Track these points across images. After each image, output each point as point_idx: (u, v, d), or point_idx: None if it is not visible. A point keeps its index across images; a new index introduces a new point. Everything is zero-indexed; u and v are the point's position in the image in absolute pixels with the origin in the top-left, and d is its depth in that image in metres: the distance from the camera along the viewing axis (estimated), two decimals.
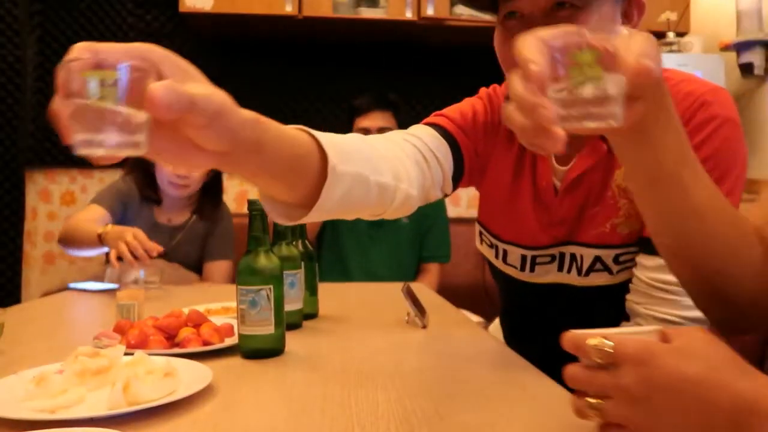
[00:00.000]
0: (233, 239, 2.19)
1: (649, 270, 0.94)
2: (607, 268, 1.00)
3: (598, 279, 1.01)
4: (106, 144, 0.46)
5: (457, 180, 1.04)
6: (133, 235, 1.61)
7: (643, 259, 0.96)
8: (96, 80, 0.45)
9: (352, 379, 0.81)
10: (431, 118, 1.04)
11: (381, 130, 2.11)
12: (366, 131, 2.13)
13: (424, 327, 1.14)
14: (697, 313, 0.91)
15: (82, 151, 0.46)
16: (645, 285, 0.95)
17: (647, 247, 0.94)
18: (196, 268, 2.13)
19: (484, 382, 0.83)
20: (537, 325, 1.13)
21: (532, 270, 1.08)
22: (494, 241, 1.12)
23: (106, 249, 1.75)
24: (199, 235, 2.12)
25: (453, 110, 1.07)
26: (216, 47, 2.83)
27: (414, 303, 1.16)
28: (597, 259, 1.00)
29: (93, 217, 1.92)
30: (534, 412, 0.71)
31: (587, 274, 1.01)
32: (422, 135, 0.96)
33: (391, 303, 1.39)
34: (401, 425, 0.64)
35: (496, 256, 1.13)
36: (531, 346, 1.03)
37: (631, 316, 0.98)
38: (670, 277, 0.91)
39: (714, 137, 0.91)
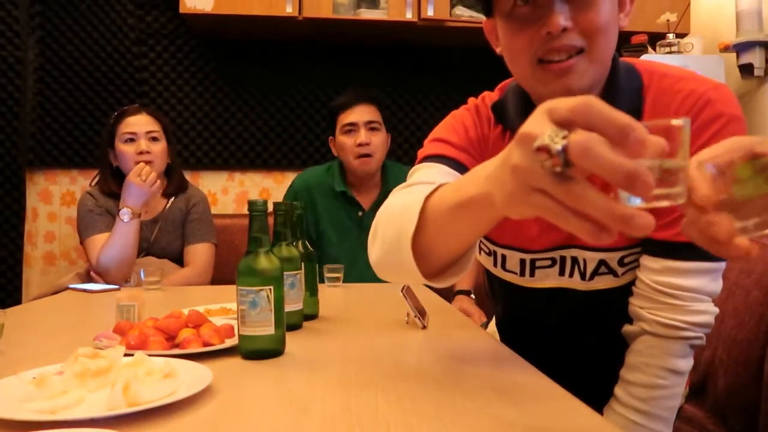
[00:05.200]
0: (212, 223, 2.22)
1: (654, 273, 0.93)
2: (612, 271, 0.99)
3: (603, 282, 1.00)
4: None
5: None
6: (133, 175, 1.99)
7: (647, 261, 0.94)
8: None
9: (353, 379, 0.81)
10: (435, 149, 1.02)
11: (369, 123, 2.13)
12: (353, 125, 2.14)
13: (424, 327, 1.14)
14: (704, 318, 0.92)
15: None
16: (649, 289, 0.93)
17: (652, 248, 0.93)
18: (181, 256, 2.16)
19: (485, 382, 0.83)
20: (539, 332, 1.12)
21: (532, 274, 1.05)
22: (492, 246, 1.09)
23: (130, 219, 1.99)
24: (177, 222, 2.15)
25: (449, 132, 1.04)
26: (216, 48, 2.83)
27: (414, 304, 1.16)
28: (602, 262, 0.98)
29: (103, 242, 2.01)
30: (535, 413, 0.71)
31: (591, 278, 1.00)
32: (438, 177, 0.92)
33: (391, 303, 1.39)
34: (401, 426, 0.64)
35: (495, 264, 1.10)
36: (532, 354, 1.00)
37: (634, 320, 0.97)
38: (676, 281, 0.91)
39: (720, 136, 0.88)
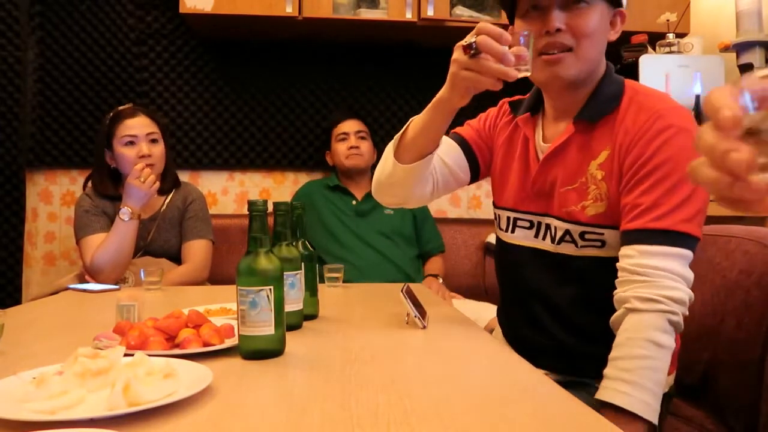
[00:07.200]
0: (209, 220, 2.22)
1: (631, 258, 1.07)
2: (573, 241, 1.19)
3: (567, 249, 1.20)
4: None
5: (476, 173, 1.37)
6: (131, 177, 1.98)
7: (626, 251, 1.08)
8: None
9: (352, 379, 0.82)
10: (458, 128, 1.41)
11: (358, 132, 2.59)
12: (345, 134, 2.59)
13: (424, 327, 1.14)
14: (677, 294, 1.04)
15: None
16: (628, 272, 1.07)
17: (628, 238, 1.09)
18: (178, 254, 2.15)
19: (484, 382, 0.83)
20: (522, 287, 1.29)
21: (513, 231, 1.30)
22: (496, 210, 1.37)
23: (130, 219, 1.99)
24: (174, 220, 2.15)
25: (477, 118, 1.42)
26: (216, 48, 2.83)
27: (414, 304, 1.16)
28: (567, 232, 1.20)
29: (100, 241, 2.00)
30: (534, 413, 0.71)
31: (559, 243, 1.21)
32: (443, 146, 1.27)
33: (391, 303, 1.39)
34: (401, 426, 0.64)
35: (498, 226, 1.36)
36: (520, 316, 1.29)
37: (618, 307, 1.08)
38: (650, 261, 1.05)
39: (671, 143, 1.07)
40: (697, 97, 2.32)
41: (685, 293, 1.04)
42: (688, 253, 1.06)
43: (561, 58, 1.14)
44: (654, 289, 1.03)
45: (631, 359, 1.02)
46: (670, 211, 1.05)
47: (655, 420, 1.00)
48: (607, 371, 1.05)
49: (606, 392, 1.02)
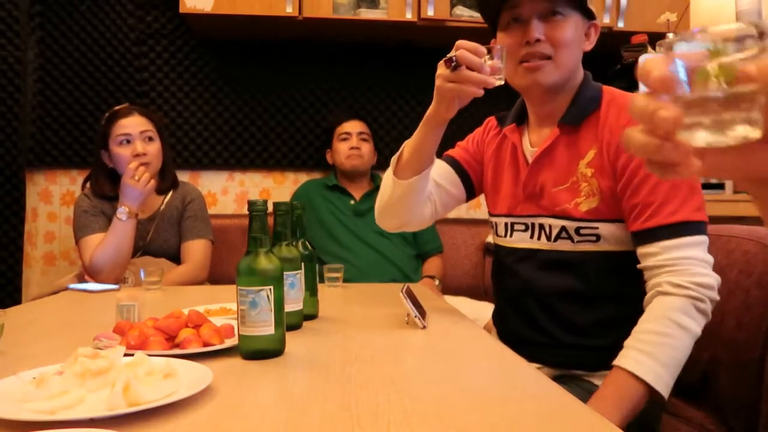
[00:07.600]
0: (208, 220, 2.21)
1: (656, 255, 1.11)
2: (570, 237, 1.25)
3: (563, 245, 1.26)
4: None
5: (470, 189, 1.46)
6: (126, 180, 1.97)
7: (647, 249, 1.13)
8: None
9: (352, 379, 0.82)
10: (449, 150, 1.51)
11: (360, 134, 2.61)
12: (348, 134, 2.61)
13: (424, 327, 1.14)
14: (705, 279, 1.09)
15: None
16: (656, 269, 1.11)
17: (647, 236, 1.13)
18: (178, 254, 2.15)
19: (484, 382, 0.83)
20: (517, 286, 1.33)
21: (510, 235, 1.36)
22: (492, 219, 1.43)
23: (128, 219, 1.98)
24: (174, 220, 2.14)
25: (464, 139, 1.51)
26: (216, 48, 2.83)
27: (414, 304, 1.16)
28: (563, 228, 1.25)
29: (99, 241, 2.00)
30: (534, 412, 0.71)
31: (555, 240, 1.27)
32: (433, 170, 1.35)
33: (391, 303, 1.39)
34: (401, 426, 0.64)
35: (496, 233, 1.42)
36: (515, 314, 1.33)
37: (650, 290, 1.12)
38: (675, 254, 1.10)
39: None
40: None
41: (713, 278, 1.09)
42: (706, 239, 1.13)
43: (540, 66, 1.23)
44: (685, 276, 1.08)
45: (650, 333, 1.07)
46: (682, 204, 1.12)
47: (665, 393, 1.03)
48: (626, 342, 1.09)
49: (619, 359, 1.07)
